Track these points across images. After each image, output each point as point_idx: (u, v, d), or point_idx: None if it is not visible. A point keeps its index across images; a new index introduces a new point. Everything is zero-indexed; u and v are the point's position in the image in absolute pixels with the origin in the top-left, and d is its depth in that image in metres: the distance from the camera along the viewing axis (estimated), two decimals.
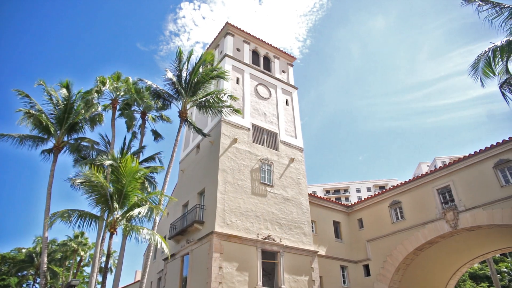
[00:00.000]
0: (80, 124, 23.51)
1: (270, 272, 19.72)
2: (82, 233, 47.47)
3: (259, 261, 19.21)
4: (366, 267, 24.52)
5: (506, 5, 14.53)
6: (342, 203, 28.33)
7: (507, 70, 14.72)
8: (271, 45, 29.74)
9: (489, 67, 14.62)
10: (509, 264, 44.39)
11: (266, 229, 20.47)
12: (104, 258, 35.52)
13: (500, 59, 14.62)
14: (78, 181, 15.99)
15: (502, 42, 14.52)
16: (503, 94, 14.47)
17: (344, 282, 24.03)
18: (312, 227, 24.18)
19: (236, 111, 22.20)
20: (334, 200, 28.15)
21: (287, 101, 27.98)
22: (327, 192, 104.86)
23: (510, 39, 14.50)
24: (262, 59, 28.92)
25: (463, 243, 22.79)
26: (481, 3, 14.69)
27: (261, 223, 20.53)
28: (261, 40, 29.19)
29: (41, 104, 22.37)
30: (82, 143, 23.51)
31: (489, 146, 20.01)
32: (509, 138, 19.25)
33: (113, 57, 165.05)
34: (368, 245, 24.76)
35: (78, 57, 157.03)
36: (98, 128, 25.84)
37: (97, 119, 24.72)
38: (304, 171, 24.88)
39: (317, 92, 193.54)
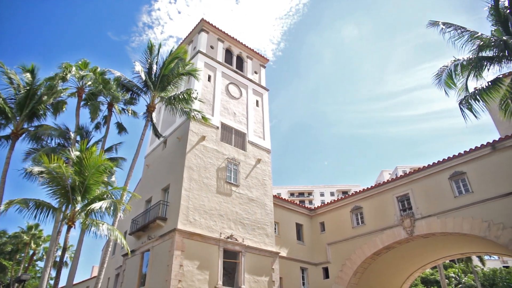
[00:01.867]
0: (42, 111, 22.49)
1: (231, 272, 19.73)
2: (37, 225, 45.19)
3: (221, 260, 19.17)
4: (326, 270, 25.05)
5: (467, 29, 15.53)
6: (306, 206, 28.78)
7: (466, 88, 15.72)
8: (245, 45, 29.76)
9: (451, 79, 15.71)
10: (457, 270, 47.03)
11: (229, 229, 20.46)
12: (59, 252, 34.19)
13: (461, 74, 15.65)
14: (36, 169, 15.23)
15: (463, 59, 15.48)
16: (462, 110, 15.34)
17: (304, 284, 24.44)
18: (275, 229, 24.42)
19: (204, 119, 21.85)
20: (298, 202, 28.57)
21: (257, 102, 28.11)
22: (292, 194, 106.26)
23: (470, 57, 15.45)
24: (235, 59, 28.88)
25: (417, 249, 23.81)
26: (443, 27, 15.66)
27: (225, 222, 20.50)
28: (236, 39, 29.15)
29: (1, 88, 21.26)
30: (43, 131, 22.50)
31: (446, 158, 21.04)
32: (464, 151, 20.34)
33: (81, 44, 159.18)
34: (328, 248, 25.32)
35: (43, 41, 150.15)
36: (62, 116, 24.96)
37: (61, 105, 23.75)
38: (270, 173, 25.08)
39: (287, 95, 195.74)
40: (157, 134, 22.11)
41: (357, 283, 23.74)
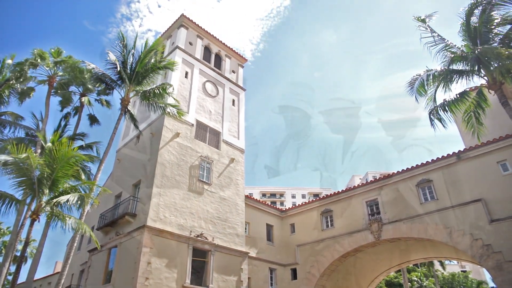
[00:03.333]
0: (6, 99, 21.51)
1: (199, 271, 19.60)
2: None
3: (189, 258, 19.01)
4: (294, 271, 25.31)
5: (443, 37, 16.27)
6: (277, 207, 29.01)
7: (434, 99, 16.55)
8: (224, 43, 29.66)
9: (423, 87, 16.78)
10: (419, 274, 48.78)
11: (199, 227, 20.33)
12: (20, 246, 32.81)
13: (432, 84, 16.49)
14: (2, 157, 14.59)
15: (435, 70, 16.24)
16: (431, 120, 16.03)
17: (271, 284, 24.60)
18: (246, 229, 24.45)
19: (179, 114, 21.45)
20: (269, 203, 28.75)
21: (233, 101, 28.07)
22: (264, 195, 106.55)
23: (441, 69, 16.17)
24: (214, 57, 28.73)
25: (383, 253, 24.48)
26: (424, 28, 16.44)
27: (195, 220, 20.34)
28: (215, 37, 29.00)
29: None
30: (4, 118, 21.53)
31: (414, 166, 21.74)
32: (432, 160, 21.11)
33: (55, 32, 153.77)
34: (297, 249, 25.59)
35: (13, 27, 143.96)
36: (28, 104, 23.99)
37: (28, 92, 22.83)
38: (243, 173, 25.10)
39: (264, 96, 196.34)
40: (136, 124, 21.49)
41: (324, 284, 24.14)
